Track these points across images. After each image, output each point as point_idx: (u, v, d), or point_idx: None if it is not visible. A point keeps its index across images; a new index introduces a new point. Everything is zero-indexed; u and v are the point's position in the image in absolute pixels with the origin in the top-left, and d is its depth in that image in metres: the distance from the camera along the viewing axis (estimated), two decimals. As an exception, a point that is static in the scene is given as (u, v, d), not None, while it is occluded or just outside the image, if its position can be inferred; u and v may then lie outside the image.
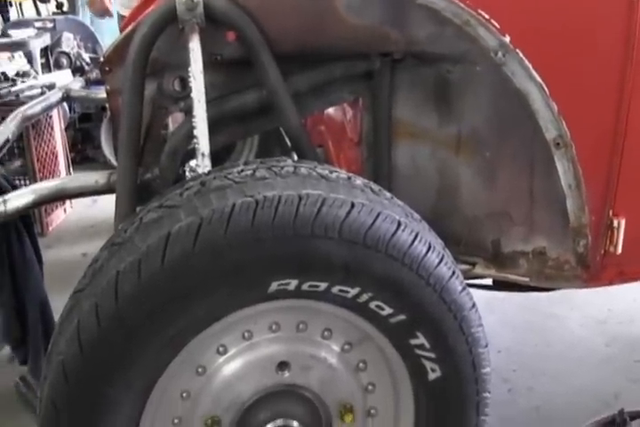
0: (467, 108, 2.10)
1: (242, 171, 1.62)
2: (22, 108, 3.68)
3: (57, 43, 6.87)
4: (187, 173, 2.24)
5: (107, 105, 6.76)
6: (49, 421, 1.54)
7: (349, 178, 1.66)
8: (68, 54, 7.09)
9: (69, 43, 7.03)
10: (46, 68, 6.65)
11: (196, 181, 1.64)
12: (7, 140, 3.21)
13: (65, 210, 5.47)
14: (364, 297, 1.58)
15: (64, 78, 5.93)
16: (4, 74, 5.49)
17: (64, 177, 2.55)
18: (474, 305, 1.66)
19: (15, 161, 5.48)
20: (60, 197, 2.39)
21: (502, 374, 2.99)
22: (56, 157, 5.51)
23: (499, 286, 2.41)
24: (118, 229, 1.66)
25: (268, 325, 1.66)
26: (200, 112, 1.90)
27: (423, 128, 2.22)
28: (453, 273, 1.63)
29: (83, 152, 7.36)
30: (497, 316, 3.40)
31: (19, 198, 2.27)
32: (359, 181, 1.67)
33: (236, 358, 1.66)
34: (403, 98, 2.21)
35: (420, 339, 1.63)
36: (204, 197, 1.54)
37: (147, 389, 1.57)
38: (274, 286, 1.53)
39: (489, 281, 2.39)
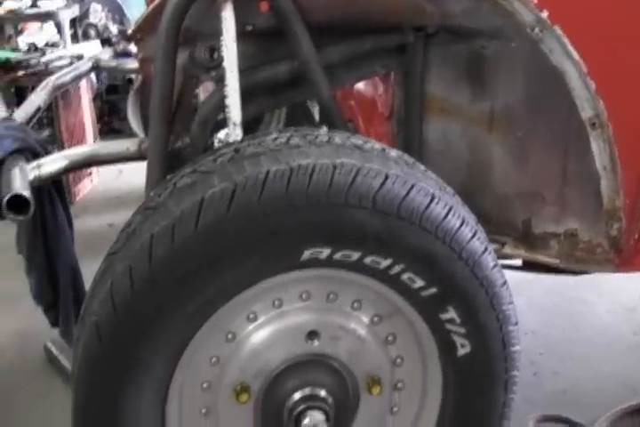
0: (500, 85, 2.11)
1: (276, 139, 1.66)
2: (53, 77, 3.73)
3: (85, 14, 6.93)
4: (215, 144, 2.27)
5: (133, 77, 6.82)
6: (82, 381, 1.58)
7: (383, 149, 1.68)
8: (95, 26, 7.14)
9: (97, 14, 7.08)
10: (74, 39, 6.69)
11: (230, 147, 1.67)
12: (39, 108, 3.27)
13: (91, 181, 5.53)
14: (396, 269, 1.60)
15: (92, 49, 5.98)
16: (33, 44, 5.53)
17: (95, 143, 2.58)
18: (505, 282, 1.69)
19: (44, 130, 5.54)
20: (92, 163, 2.43)
21: (529, 356, 2.99)
22: (84, 128, 5.56)
23: (528, 267, 2.41)
24: (151, 194, 1.69)
25: (299, 293, 1.69)
26: (232, 82, 1.93)
27: (455, 104, 2.24)
28: (486, 248, 1.65)
29: (109, 124, 7.43)
30: (525, 298, 3.40)
31: (52, 164, 2.31)
32: (393, 152, 1.69)
33: (265, 326, 1.70)
34: (435, 73, 2.22)
35: (451, 313, 1.65)
36: (237, 163, 1.57)
37: (177, 352, 1.61)
38: (306, 254, 1.56)
39: (518, 262, 2.38)
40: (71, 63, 5.61)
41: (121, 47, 6.59)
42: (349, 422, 1.77)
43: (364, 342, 1.73)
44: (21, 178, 2.13)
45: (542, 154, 2.07)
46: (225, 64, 1.95)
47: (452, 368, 1.74)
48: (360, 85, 2.71)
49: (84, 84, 5.68)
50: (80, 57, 5.72)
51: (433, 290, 1.63)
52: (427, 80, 2.22)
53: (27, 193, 2.06)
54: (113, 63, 4.41)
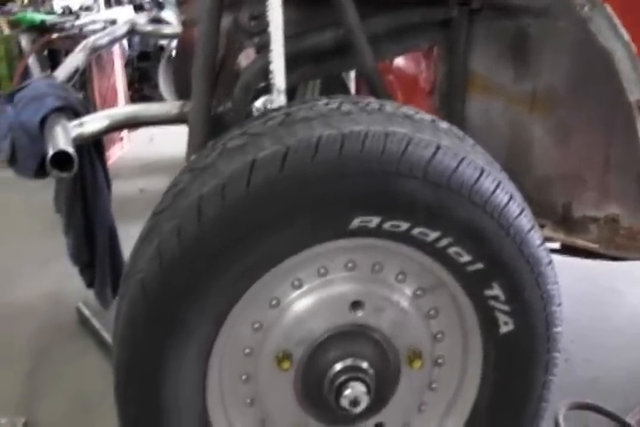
0: (545, 64, 2.09)
1: (327, 104, 1.66)
2: (90, 39, 3.75)
3: (118, -21, 6.90)
4: (254, 112, 2.28)
5: (165, 44, 6.80)
6: (126, 338, 1.60)
7: (434, 120, 1.69)
8: (128, -10, 7.11)
9: (130, -20, 7.06)
10: (107, 4, 6.71)
11: (280, 111, 1.68)
12: (77, 69, 3.29)
13: (122, 147, 5.56)
14: (444, 242, 1.61)
15: (125, 15, 5.99)
16: (68, 7, 5.55)
17: (137, 105, 2.59)
18: (550, 261, 1.70)
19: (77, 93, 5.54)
20: (133, 123, 2.44)
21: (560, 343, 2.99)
22: (116, 93, 5.60)
23: (566, 250, 2.41)
24: (198, 155, 1.70)
25: (344, 263, 1.71)
26: (277, 47, 1.93)
27: (497, 82, 2.23)
28: (533, 226, 1.66)
29: (140, 91, 7.45)
30: (557, 284, 3.39)
31: (94, 122, 2.33)
32: (444, 124, 1.70)
33: (309, 294, 1.72)
34: (479, 50, 2.22)
35: (496, 290, 1.66)
36: (289, 127, 1.59)
37: (221, 315, 1.63)
38: (356, 222, 1.57)
39: (556, 246, 2.38)
40: (104, 28, 5.65)
41: (153, 13, 6.60)
42: (389, 395, 1.78)
43: (406, 314, 1.75)
44: (64, 135, 2.15)
45: (585, 136, 2.06)
46: (270, 30, 1.94)
47: (493, 346, 1.75)
48: (400, 60, 2.71)
49: (116, 49, 5.72)
50: (113, 22, 5.75)
51: (479, 265, 1.64)
52: (470, 56, 2.23)
53: (71, 150, 2.07)
54: (149, 28, 4.42)
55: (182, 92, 4.66)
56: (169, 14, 5.99)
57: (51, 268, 3.79)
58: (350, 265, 1.71)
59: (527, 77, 2.14)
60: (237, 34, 2.15)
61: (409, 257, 1.70)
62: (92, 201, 2.49)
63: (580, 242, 2.17)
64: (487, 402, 1.82)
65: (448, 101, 2.27)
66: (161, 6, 6.62)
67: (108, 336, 3.04)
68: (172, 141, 4.87)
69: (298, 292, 1.71)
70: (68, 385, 2.85)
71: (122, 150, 5.52)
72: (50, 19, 5.32)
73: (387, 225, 1.59)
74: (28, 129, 2.34)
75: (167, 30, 4.32)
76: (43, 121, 2.31)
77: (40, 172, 2.39)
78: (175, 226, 1.54)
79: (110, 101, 5.40)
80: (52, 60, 5.98)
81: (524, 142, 2.20)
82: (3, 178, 4.88)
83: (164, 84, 7.13)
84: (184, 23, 2.30)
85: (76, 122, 2.31)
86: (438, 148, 1.56)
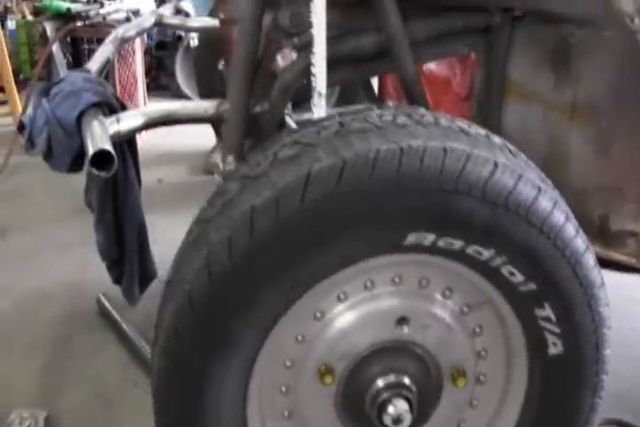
0: (586, 73, 2.00)
1: (381, 116, 1.57)
2: (120, 31, 3.68)
3: (140, -32, 6.80)
4: (287, 119, 2.21)
5: (183, 34, 6.68)
6: (169, 348, 1.52)
7: (487, 135, 1.60)
8: (149, -20, 7.01)
9: (151, -31, 6.96)
10: None
11: (333, 120, 1.59)
12: (108, 60, 3.20)
13: (141, 137, 5.47)
14: (498, 261, 1.53)
15: (147, 4, 5.90)
16: (92, -5, 5.45)
17: (174, 102, 2.51)
18: (603, 283, 1.62)
19: (97, 82, 5.46)
20: (169, 121, 2.37)
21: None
22: (136, 82, 5.51)
23: (600, 263, 2.32)
24: (248, 162, 1.61)
25: (391, 277, 1.63)
26: (320, 50, 1.86)
27: (536, 90, 2.14)
28: (587, 247, 1.58)
29: (156, 79, 7.40)
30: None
31: (130, 119, 2.25)
32: (497, 139, 1.61)
33: (354, 308, 1.63)
34: (518, 56, 2.13)
35: (547, 311, 1.58)
36: (344, 138, 1.50)
37: (267, 328, 1.55)
38: (410, 238, 1.49)
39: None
40: (127, 17, 5.57)
41: (173, 4, 6.50)
42: (431, 411, 1.70)
43: (451, 331, 1.67)
44: (103, 133, 2.07)
45: (626, 147, 1.97)
46: (313, 31, 1.87)
47: (539, 367, 1.67)
48: (430, 64, 2.61)
49: (137, 39, 5.61)
50: (136, 11, 5.67)
51: (532, 286, 1.56)
52: (509, 63, 2.14)
53: (111, 149, 1.99)
54: (176, 20, 4.34)
55: (203, 84, 4.58)
56: (188, 5, 5.90)
57: (71, 255, 3.71)
58: (397, 280, 1.63)
59: (567, 86, 2.05)
60: (276, 33, 2.06)
61: (458, 273, 1.62)
62: (123, 198, 2.40)
63: (616, 256, 2.08)
64: (530, 423, 1.73)
65: (486, 108, 2.18)
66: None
67: (128, 329, 2.96)
68: (190, 134, 4.84)
69: (343, 305, 1.63)
70: (88, 378, 2.77)
71: (141, 140, 5.41)
72: (75, 7, 5.21)
73: (441, 242, 1.51)
74: (64, 124, 2.26)
75: (193, 23, 4.23)
76: (80, 116, 2.23)
77: (74, 166, 2.32)
78: (226, 238, 1.46)
79: (130, 91, 5.30)
80: (74, 46, 5.89)
81: (562, 152, 2.11)
82: (23, 162, 4.86)
83: (181, 73, 7.06)
84: (222, 21, 2.21)
85: (112, 118, 2.24)
86: (496, 165, 1.48)
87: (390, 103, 1.71)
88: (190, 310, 1.48)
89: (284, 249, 1.46)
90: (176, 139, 5.25)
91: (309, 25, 1.97)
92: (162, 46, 7.27)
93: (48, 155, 2.31)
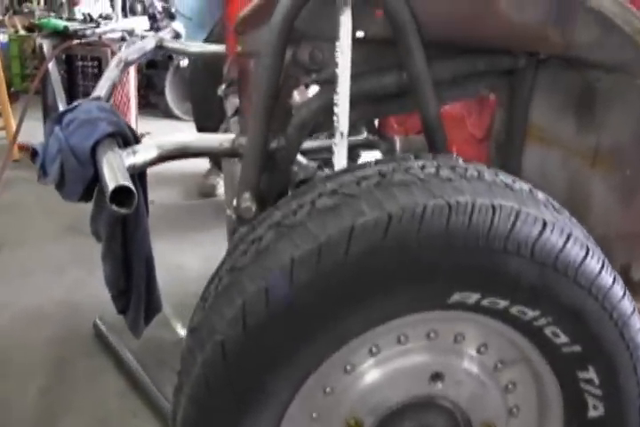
0: (612, 119, 1.89)
1: (424, 167, 1.46)
2: (123, 55, 3.58)
3: (132, -11, 6.72)
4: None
5: (174, 55, 6.52)
6: (198, 398, 1.40)
7: (531, 190, 1.49)
8: (142, 1, 6.96)
9: (144, -10, 6.88)
10: (122, 13, 6.53)
11: (370, 169, 1.48)
12: (114, 85, 3.07)
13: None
14: (542, 322, 1.42)
15: (141, 25, 5.78)
16: (89, 15, 5.33)
17: (189, 135, 2.39)
18: None
19: (91, 100, 5.33)
20: (183, 154, 2.25)
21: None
22: (129, 101, 5.38)
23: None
24: (284, 210, 1.48)
25: (426, 332, 1.51)
26: (343, 90, 1.77)
27: (557, 134, 2.02)
28: (634, 309, 1.47)
29: (146, 97, 7.24)
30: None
31: (145, 152, 2.13)
32: (541, 194, 1.50)
33: (387, 362, 1.51)
34: (540, 100, 2.02)
35: (590, 373, 1.47)
36: (386, 190, 1.39)
37: (300, 381, 1.43)
38: (455, 296, 1.38)
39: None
40: (123, 37, 5.43)
41: (163, 24, 6.38)
42: None
43: (484, 387, 1.55)
44: (120, 167, 1.94)
45: None
46: (338, 71, 1.78)
47: (576, 429, 1.55)
48: (443, 104, 2.51)
49: (130, 59, 5.47)
50: (131, 31, 5.53)
51: (576, 348, 1.45)
52: (529, 106, 2.03)
53: (131, 185, 1.86)
54: (176, 44, 4.23)
55: (199, 107, 4.44)
56: (179, 26, 5.77)
57: (66, 274, 3.56)
58: (432, 335, 1.51)
59: (590, 131, 1.93)
60: (295, 69, 1.95)
61: (496, 330, 1.50)
62: (132, 230, 2.25)
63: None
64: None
65: (506, 151, 2.07)
66: (172, 17, 6.40)
67: (126, 355, 2.80)
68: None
69: (374, 359, 1.51)
70: (87, 406, 2.61)
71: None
72: (72, 25, 5.06)
73: (485, 302, 1.40)
74: (78, 153, 2.12)
75: (193, 48, 4.11)
76: (94, 146, 2.09)
77: (85, 196, 2.18)
78: (263, 288, 1.34)
79: (122, 109, 5.15)
80: (68, 64, 5.73)
81: (583, 198, 1.99)
82: (17, 177, 4.68)
83: (170, 92, 6.92)
84: (240, 54, 2.09)
85: (128, 150, 2.11)
86: (545, 224, 1.37)
87: (429, 155, 1.57)
88: (223, 360, 1.36)
89: (324, 303, 1.34)
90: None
91: (329, 61, 1.88)
92: (152, 65, 7.13)
93: (60, 184, 2.17)
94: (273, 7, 1.82)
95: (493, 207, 1.35)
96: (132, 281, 2.29)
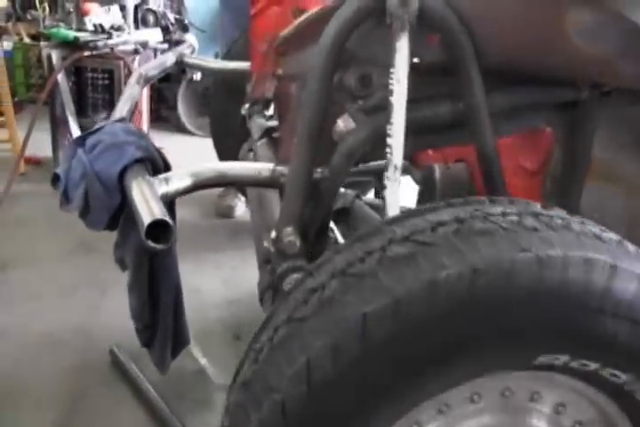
0: None
1: (505, 214, 1.30)
2: (143, 71, 3.48)
3: (145, 0, 6.61)
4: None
5: (186, 69, 6.36)
6: None
7: (620, 241, 1.34)
8: (154, 12, 6.81)
9: (156, 1, 6.75)
10: (134, 24, 6.38)
11: (445, 213, 1.32)
12: (135, 103, 2.93)
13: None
14: (635, 386, 1.28)
15: (155, 37, 5.64)
16: (100, 25, 5.17)
17: (226, 162, 2.24)
18: None
19: (100, 113, 5.21)
20: (220, 183, 2.10)
21: None
22: (141, 116, 5.24)
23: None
24: (348, 257, 1.32)
25: (501, 390, 1.36)
26: (398, 120, 1.63)
27: (619, 172, 1.89)
28: None
29: (157, 111, 7.07)
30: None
31: (179, 181, 1.98)
32: (630, 245, 1.35)
33: (457, 422, 1.36)
34: (601, 134, 1.87)
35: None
36: (467, 239, 1.23)
37: None
38: (541, 359, 1.23)
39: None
40: (136, 49, 5.29)
41: (176, 36, 6.23)
42: None
43: (561, 449, 1.40)
44: (153, 196, 1.79)
45: None
46: (393, 100, 1.63)
47: None
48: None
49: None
50: (145, 44, 5.39)
51: (671, 412, 1.29)
52: (592, 141, 1.87)
53: (169, 219, 1.71)
54: (197, 60, 4.11)
55: (217, 124, 4.28)
56: (193, 38, 5.63)
57: (78, 298, 3.36)
58: (507, 393, 1.36)
59: None
60: (341, 95, 1.81)
61: (576, 389, 1.35)
62: (161, 260, 2.09)
63: None
64: None
65: (564, 187, 1.91)
66: (185, 29, 6.25)
67: (144, 385, 2.65)
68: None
69: (444, 418, 1.36)
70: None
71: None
72: (83, 36, 4.90)
73: (574, 364, 1.25)
74: (104, 179, 1.98)
75: (213, 64, 3.97)
76: (122, 172, 1.95)
77: (110, 225, 2.03)
78: (330, 345, 1.18)
79: (134, 123, 4.99)
80: (77, 75, 5.57)
81: None
82: (23, 191, 4.51)
83: (182, 106, 6.75)
84: (280, 77, 1.94)
85: (161, 178, 1.96)
86: None
87: (504, 199, 1.42)
88: (283, 421, 1.21)
89: (399, 362, 1.19)
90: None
91: (379, 87, 1.75)
92: (164, 78, 6.95)
93: (84, 211, 2.02)
94: (321, 27, 1.69)
95: (586, 261, 1.20)
96: (159, 312, 2.13)
